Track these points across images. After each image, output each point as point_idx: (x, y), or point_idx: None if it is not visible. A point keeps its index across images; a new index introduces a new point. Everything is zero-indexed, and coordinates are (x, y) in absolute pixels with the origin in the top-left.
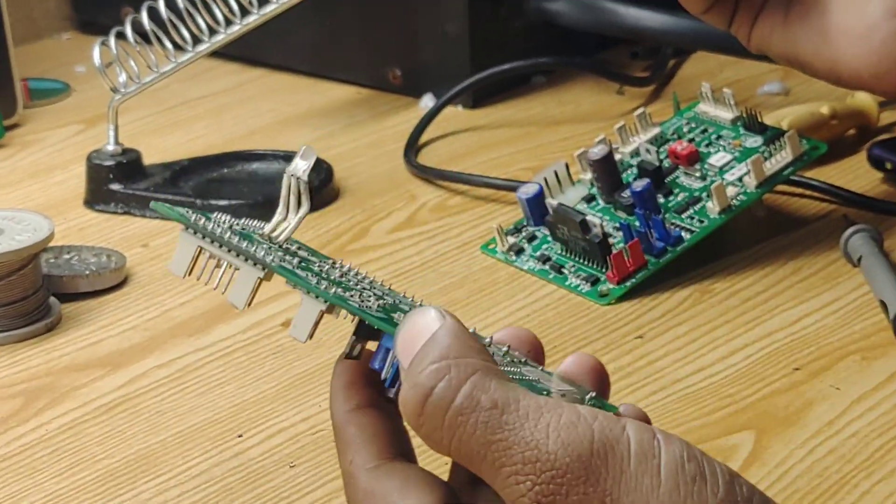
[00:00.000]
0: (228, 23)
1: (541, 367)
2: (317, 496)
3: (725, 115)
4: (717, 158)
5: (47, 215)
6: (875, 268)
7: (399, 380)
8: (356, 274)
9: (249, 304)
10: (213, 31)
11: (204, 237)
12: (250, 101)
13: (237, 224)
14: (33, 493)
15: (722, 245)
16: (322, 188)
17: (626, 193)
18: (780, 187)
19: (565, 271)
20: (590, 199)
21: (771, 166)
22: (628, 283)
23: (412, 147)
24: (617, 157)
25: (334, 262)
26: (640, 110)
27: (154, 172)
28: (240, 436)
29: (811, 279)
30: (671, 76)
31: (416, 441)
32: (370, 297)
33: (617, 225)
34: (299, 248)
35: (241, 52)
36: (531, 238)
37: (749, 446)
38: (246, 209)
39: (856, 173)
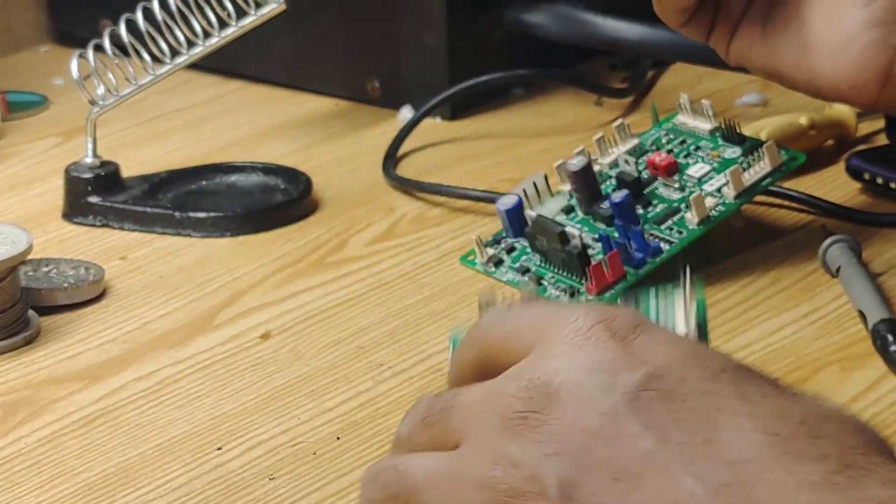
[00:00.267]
0: (207, 35)
1: None
2: None
3: (704, 125)
4: (696, 169)
5: (25, 228)
6: (854, 278)
7: None
8: None
9: None
10: (191, 44)
11: None
12: (229, 113)
13: None
14: None
15: (701, 256)
16: (300, 200)
17: (605, 204)
18: (759, 198)
19: (545, 282)
20: (569, 210)
21: (749, 177)
22: (607, 294)
23: (391, 159)
24: (596, 168)
25: None
26: (619, 121)
27: (132, 185)
28: (219, 448)
29: (790, 290)
30: (650, 87)
31: None
32: None
33: (596, 236)
34: None
35: (219, 64)
36: (510, 249)
37: None
38: (224, 221)
39: (834, 184)
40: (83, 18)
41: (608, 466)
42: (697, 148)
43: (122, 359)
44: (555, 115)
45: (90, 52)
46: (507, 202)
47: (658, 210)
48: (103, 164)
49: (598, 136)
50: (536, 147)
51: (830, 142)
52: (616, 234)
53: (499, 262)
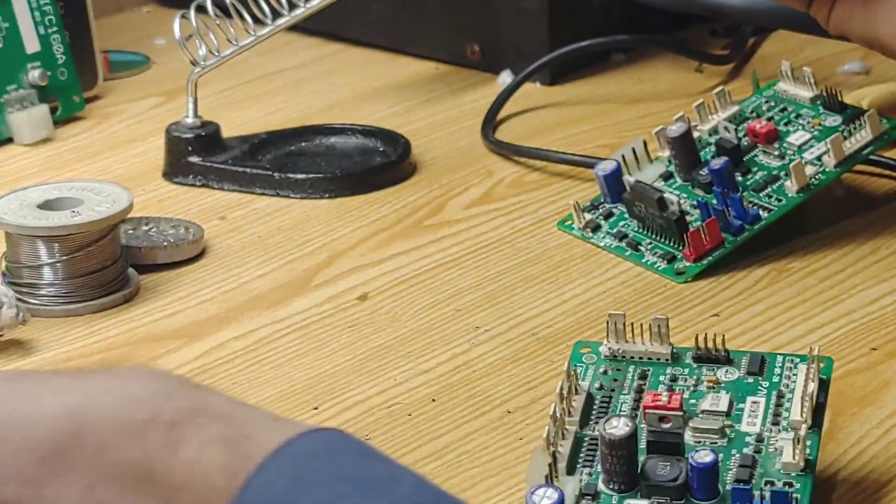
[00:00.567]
0: None
1: None
2: None
3: (805, 93)
4: (796, 137)
5: (126, 187)
6: None
7: None
8: None
9: None
10: (292, 5)
11: None
12: (328, 76)
13: None
14: None
15: (800, 224)
16: (399, 163)
17: (704, 171)
18: (859, 167)
19: (642, 248)
20: (667, 176)
21: (850, 146)
22: (705, 261)
23: (490, 123)
24: (695, 134)
25: None
26: (719, 88)
27: (232, 145)
28: (315, 408)
29: (890, 258)
30: (751, 54)
31: None
32: None
33: (694, 203)
34: None
35: (319, 26)
36: (608, 215)
37: (825, 426)
38: (323, 183)
39: None
40: None
41: None
42: (798, 116)
43: (220, 318)
44: (654, 81)
45: (192, 13)
46: (605, 167)
47: (757, 177)
48: (204, 124)
49: (697, 103)
50: (635, 113)
51: None
52: (714, 201)
53: (596, 228)
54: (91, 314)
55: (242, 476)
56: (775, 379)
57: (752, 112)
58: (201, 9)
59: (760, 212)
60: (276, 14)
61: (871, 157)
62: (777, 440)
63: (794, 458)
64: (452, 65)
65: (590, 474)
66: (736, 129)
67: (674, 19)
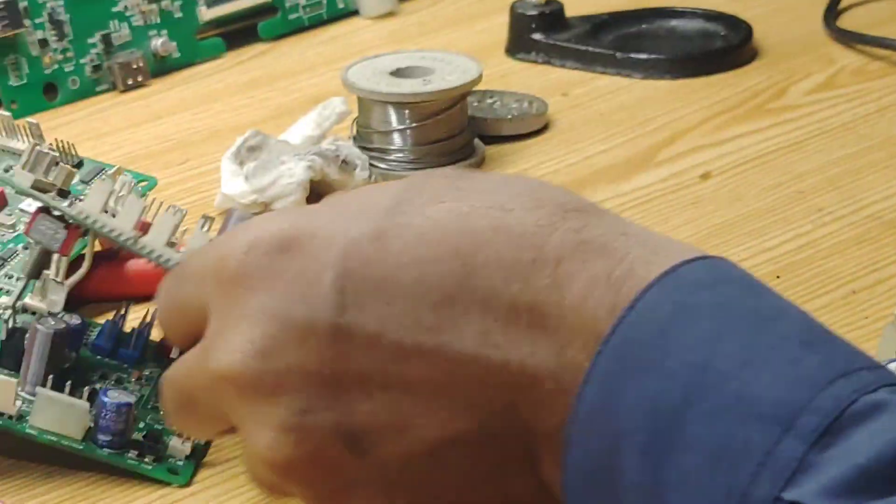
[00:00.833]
0: None
1: None
2: None
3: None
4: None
5: (475, 58)
6: None
7: None
8: None
9: None
10: None
11: None
12: None
13: None
14: None
15: None
16: (740, 47)
17: None
18: None
19: None
20: None
21: None
22: None
23: (832, 11)
24: None
25: None
26: None
27: (575, 24)
28: None
29: None
30: None
31: None
32: None
33: None
34: None
35: None
36: None
37: None
38: (665, 64)
39: None
40: None
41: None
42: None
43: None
44: None
45: None
46: None
47: None
48: (548, 2)
49: None
50: None
51: None
52: None
53: None
54: None
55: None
56: None
57: None
58: None
59: None
60: None
61: None
62: None
63: None
64: None
65: None
66: None
67: None
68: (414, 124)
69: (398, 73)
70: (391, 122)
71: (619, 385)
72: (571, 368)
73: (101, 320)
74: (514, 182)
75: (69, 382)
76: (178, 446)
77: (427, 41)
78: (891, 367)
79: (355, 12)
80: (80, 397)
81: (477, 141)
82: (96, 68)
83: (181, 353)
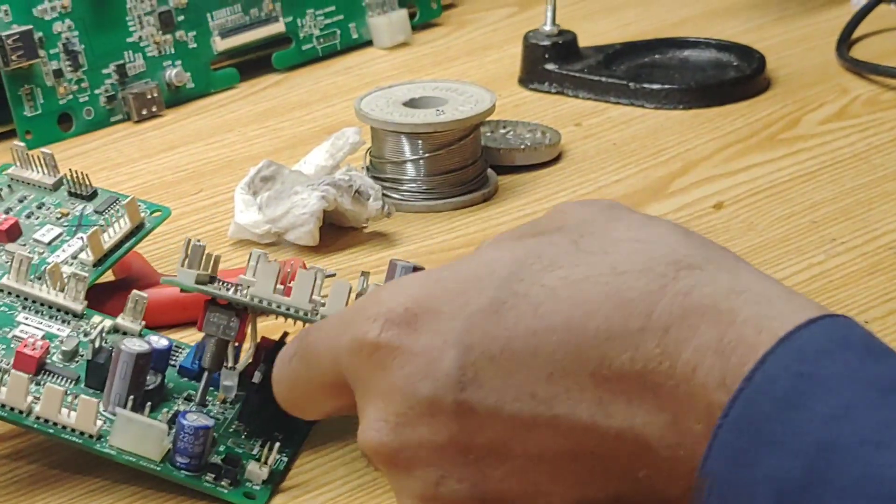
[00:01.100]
0: None
1: None
2: None
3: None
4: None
5: (488, 88)
6: None
7: None
8: None
9: None
10: None
11: None
12: None
13: None
14: None
15: None
16: (753, 77)
17: None
18: None
19: None
20: None
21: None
22: None
23: (845, 41)
24: None
25: None
26: None
27: (588, 55)
28: None
29: None
30: None
31: None
32: None
33: None
34: None
35: None
36: None
37: None
38: (678, 94)
39: None
40: None
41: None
42: (41, 206)
43: None
44: None
45: None
46: None
47: None
48: (561, 32)
49: None
50: None
51: None
52: None
53: None
54: (450, 211)
55: (738, 385)
56: None
57: None
58: None
59: None
60: None
61: None
62: None
63: None
64: None
65: None
66: None
67: None
68: (427, 154)
69: (411, 103)
70: (404, 152)
71: (744, 460)
72: (690, 440)
73: (192, 342)
74: (635, 232)
75: (149, 403)
76: (256, 471)
77: (440, 71)
78: None
79: (369, 43)
80: (163, 419)
81: (490, 171)
82: (111, 98)
83: (268, 370)
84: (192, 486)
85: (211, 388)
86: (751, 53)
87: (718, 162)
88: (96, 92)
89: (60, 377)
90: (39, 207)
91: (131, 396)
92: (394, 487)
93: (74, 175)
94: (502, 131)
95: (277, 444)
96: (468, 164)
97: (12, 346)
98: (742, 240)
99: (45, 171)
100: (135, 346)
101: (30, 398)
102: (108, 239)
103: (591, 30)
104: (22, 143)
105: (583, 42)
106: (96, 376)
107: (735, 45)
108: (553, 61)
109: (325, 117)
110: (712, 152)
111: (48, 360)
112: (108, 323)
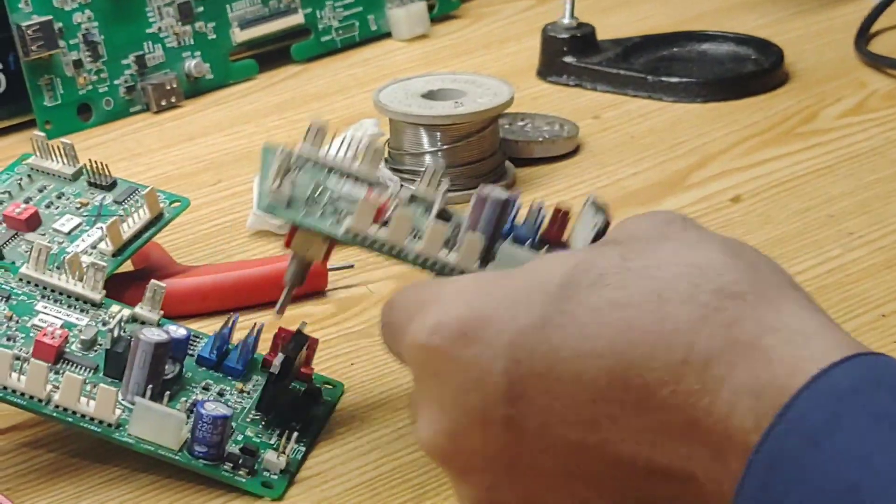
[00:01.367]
0: None
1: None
2: None
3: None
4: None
5: (507, 81)
6: None
7: None
8: None
9: None
10: None
11: None
12: None
13: None
14: None
15: None
16: (771, 71)
17: None
18: None
19: None
20: None
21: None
22: None
23: (863, 35)
24: None
25: None
26: None
27: (606, 48)
28: None
29: None
30: None
31: None
32: None
33: None
34: None
35: None
36: None
37: None
38: (696, 87)
39: None
40: None
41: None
42: (60, 196)
43: None
44: None
45: None
46: None
47: None
48: (580, 25)
49: None
50: None
51: None
52: None
53: None
54: (468, 202)
55: (770, 421)
56: None
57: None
58: None
59: None
60: None
61: None
62: None
63: None
64: None
65: None
66: None
67: None
68: (445, 146)
69: (430, 95)
70: (423, 144)
71: (774, 497)
72: (730, 476)
73: (210, 332)
74: (684, 255)
75: (168, 392)
76: (273, 460)
77: (459, 64)
78: None
79: (388, 34)
80: (181, 408)
81: (508, 163)
82: (130, 89)
83: (286, 359)
84: (210, 474)
85: (229, 378)
86: (769, 47)
87: (736, 155)
88: (116, 82)
89: (79, 366)
90: (59, 197)
91: (150, 386)
92: (453, 488)
93: (94, 165)
94: (520, 123)
95: (295, 434)
96: (486, 157)
97: (32, 334)
98: (759, 233)
99: (65, 161)
100: (153, 335)
101: (49, 387)
102: (128, 229)
103: (610, 23)
104: (42, 133)
105: (601, 35)
106: (115, 365)
107: (753, 38)
108: (571, 54)
109: (344, 109)
110: (730, 146)
111: (67, 349)
112: (126, 312)
